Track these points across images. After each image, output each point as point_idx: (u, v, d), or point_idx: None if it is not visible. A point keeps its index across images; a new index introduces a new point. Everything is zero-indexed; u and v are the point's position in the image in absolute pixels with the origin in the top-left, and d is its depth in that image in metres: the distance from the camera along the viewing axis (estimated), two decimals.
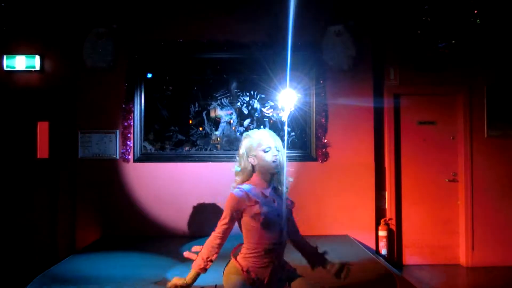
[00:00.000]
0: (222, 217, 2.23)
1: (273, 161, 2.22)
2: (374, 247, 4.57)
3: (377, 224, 4.65)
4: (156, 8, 4.61)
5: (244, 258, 2.21)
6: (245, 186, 2.24)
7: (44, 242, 4.54)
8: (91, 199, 4.49)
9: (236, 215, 2.21)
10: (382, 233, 4.63)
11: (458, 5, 4.32)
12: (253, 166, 2.25)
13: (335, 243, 4.13)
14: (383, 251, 4.60)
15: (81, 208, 4.49)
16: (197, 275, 2.21)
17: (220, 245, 2.22)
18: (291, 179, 2.41)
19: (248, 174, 2.27)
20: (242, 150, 2.30)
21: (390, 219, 4.77)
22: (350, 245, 4.12)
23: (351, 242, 4.23)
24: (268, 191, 2.26)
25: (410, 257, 4.85)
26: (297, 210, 4.70)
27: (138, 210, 4.49)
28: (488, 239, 4.79)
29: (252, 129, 4.60)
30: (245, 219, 2.20)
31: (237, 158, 2.34)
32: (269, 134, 2.30)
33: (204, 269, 2.20)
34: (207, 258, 2.19)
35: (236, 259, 2.23)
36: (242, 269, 2.17)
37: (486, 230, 4.80)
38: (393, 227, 4.78)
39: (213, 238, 2.22)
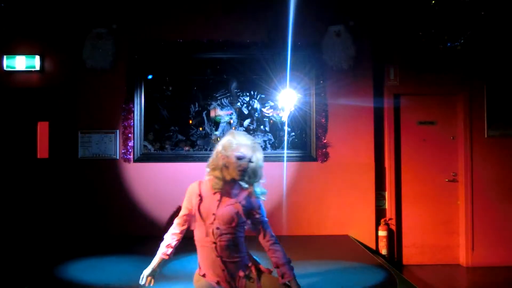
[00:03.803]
0: (182, 207, 2.41)
1: (240, 171, 2.27)
2: (374, 247, 4.57)
3: (377, 224, 4.65)
4: (156, 8, 4.61)
5: (199, 257, 2.37)
6: (204, 182, 2.37)
7: (44, 242, 4.54)
8: (91, 199, 4.49)
9: (190, 206, 2.37)
10: (382, 233, 4.63)
11: (458, 6, 4.31)
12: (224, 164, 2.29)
13: (335, 243, 4.14)
14: (383, 251, 4.61)
15: (81, 208, 4.49)
16: (161, 260, 2.36)
17: (177, 234, 2.39)
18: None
19: (219, 169, 2.29)
20: (220, 145, 2.34)
21: (390, 219, 4.77)
22: (350, 245, 4.12)
23: (351, 242, 4.24)
24: (218, 193, 2.31)
25: (410, 257, 4.85)
26: (298, 210, 4.72)
27: (138, 210, 4.49)
28: (488, 239, 4.79)
29: (252, 129, 4.64)
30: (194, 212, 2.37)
31: (213, 151, 2.39)
32: (250, 144, 2.31)
33: (166, 255, 2.36)
34: (167, 245, 2.37)
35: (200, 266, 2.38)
36: (199, 273, 2.34)
37: (486, 230, 4.80)
38: (393, 227, 4.78)
39: (172, 227, 2.41)
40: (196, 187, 2.36)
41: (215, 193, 2.30)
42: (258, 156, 2.32)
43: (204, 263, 2.33)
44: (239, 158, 2.26)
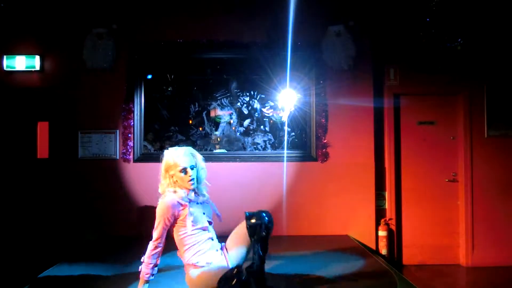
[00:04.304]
0: (156, 224, 2.51)
1: (189, 181, 2.54)
2: (374, 247, 4.57)
3: (377, 224, 4.65)
4: (156, 8, 4.61)
5: (193, 251, 2.53)
6: (178, 193, 2.55)
7: (44, 242, 4.54)
8: (91, 200, 4.49)
9: (169, 222, 2.51)
10: (382, 233, 4.63)
11: (458, 6, 4.32)
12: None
13: (335, 243, 4.14)
14: (383, 251, 4.61)
15: (81, 208, 4.49)
16: (147, 283, 2.50)
17: (158, 252, 2.51)
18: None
19: (172, 186, 2.56)
20: (162, 168, 2.59)
21: (390, 219, 4.77)
22: (350, 245, 4.12)
23: (351, 242, 4.24)
24: (191, 195, 2.60)
25: (410, 257, 4.85)
26: (298, 210, 4.72)
27: (138, 210, 4.49)
28: (488, 239, 4.79)
29: (252, 129, 4.65)
30: (179, 222, 2.53)
31: (161, 172, 2.61)
32: (184, 153, 2.57)
33: (152, 275, 2.50)
34: (153, 265, 2.49)
35: (193, 265, 2.54)
36: (196, 265, 2.51)
37: (486, 230, 4.80)
38: (393, 227, 4.78)
39: (150, 248, 2.49)
40: (174, 201, 2.52)
41: (192, 200, 2.59)
42: (197, 159, 2.63)
43: (200, 253, 2.54)
44: (183, 171, 2.53)
